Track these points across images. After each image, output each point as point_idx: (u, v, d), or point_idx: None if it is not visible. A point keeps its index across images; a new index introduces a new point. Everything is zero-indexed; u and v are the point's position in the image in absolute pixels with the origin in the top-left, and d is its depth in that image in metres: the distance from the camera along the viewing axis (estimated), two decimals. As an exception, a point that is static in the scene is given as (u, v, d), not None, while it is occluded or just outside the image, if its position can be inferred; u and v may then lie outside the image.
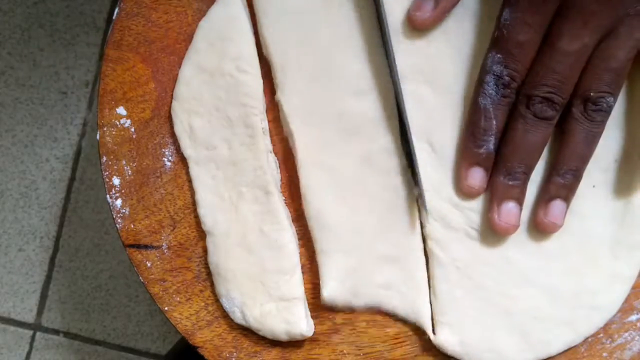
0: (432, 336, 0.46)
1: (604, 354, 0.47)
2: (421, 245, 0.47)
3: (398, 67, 0.46)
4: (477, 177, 0.45)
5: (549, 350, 0.46)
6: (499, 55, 0.44)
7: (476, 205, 0.46)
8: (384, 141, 0.47)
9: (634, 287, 0.47)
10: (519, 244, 0.46)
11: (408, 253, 0.46)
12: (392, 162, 0.47)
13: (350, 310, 0.47)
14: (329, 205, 0.46)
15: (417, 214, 0.47)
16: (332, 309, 0.47)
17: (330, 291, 0.46)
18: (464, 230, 0.46)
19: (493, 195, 0.45)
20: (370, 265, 0.46)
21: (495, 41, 0.44)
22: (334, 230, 0.46)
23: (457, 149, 0.47)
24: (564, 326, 0.46)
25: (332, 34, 0.47)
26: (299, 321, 0.46)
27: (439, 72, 0.47)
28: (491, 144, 0.44)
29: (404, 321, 0.47)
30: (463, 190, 0.46)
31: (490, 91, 0.44)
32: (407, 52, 0.47)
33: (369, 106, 0.47)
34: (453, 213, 0.46)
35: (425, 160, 0.47)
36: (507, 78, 0.44)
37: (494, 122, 0.44)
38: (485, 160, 0.45)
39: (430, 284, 0.47)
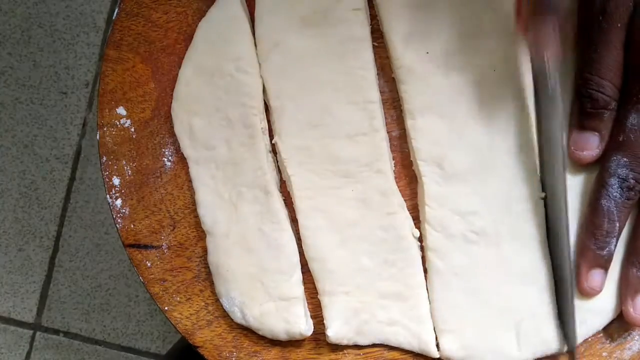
0: (437, 354, 0.46)
1: (604, 354, 0.47)
2: (423, 279, 0.47)
3: (408, 104, 0.47)
4: (598, 279, 0.45)
5: (547, 348, 0.46)
6: (624, 159, 0.44)
7: (477, 208, 0.46)
8: (378, 182, 0.47)
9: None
10: (515, 242, 0.46)
11: (409, 287, 0.46)
12: (387, 202, 0.47)
13: (356, 347, 0.47)
14: (329, 248, 0.47)
15: (416, 248, 0.47)
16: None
17: (335, 331, 0.46)
18: (463, 236, 0.46)
19: (627, 288, 0.45)
20: (373, 303, 0.46)
21: (620, 145, 0.44)
22: (335, 272, 0.47)
23: (462, 166, 0.47)
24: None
25: (329, 80, 0.48)
26: (298, 321, 0.46)
27: (445, 101, 0.47)
28: (612, 246, 0.45)
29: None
30: (583, 292, 0.45)
31: (615, 194, 0.44)
32: (416, 90, 0.47)
33: (361, 150, 0.47)
34: (454, 221, 0.46)
35: (431, 178, 0.47)
36: (632, 181, 0.44)
37: (617, 225, 0.44)
38: (606, 262, 0.45)
39: (430, 295, 0.47)
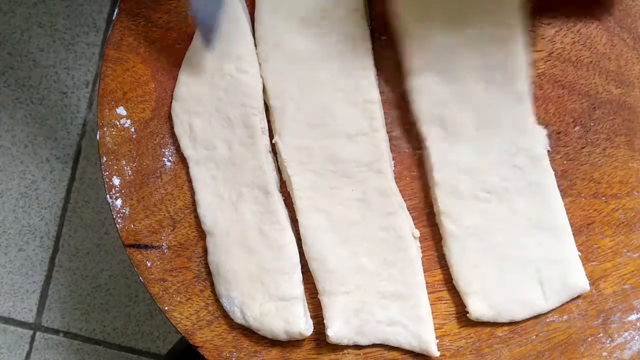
0: (437, 354, 0.46)
1: (604, 354, 0.47)
2: (422, 279, 0.47)
3: (411, 63, 0.47)
4: None
5: (573, 292, 0.46)
6: None
7: (483, 165, 0.47)
8: (377, 182, 0.47)
9: (633, 287, 0.47)
10: (525, 194, 0.47)
11: (409, 288, 0.47)
12: (387, 202, 0.47)
13: (356, 347, 0.47)
14: (329, 248, 0.47)
15: (416, 248, 0.47)
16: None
17: (336, 331, 0.46)
18: (474, 195, 0.47)
19: None
20: (373, 303, 0.47)
21: None
22: (335, 272, 0.47)
23: (464, 126, 0.47)
24: (579, 265, 0.46)
25: (329, 80, 0.48)
26: (298, 320, 0.46)
27: (446, 62, 0.47)
28: None
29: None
30: None
31: None
32: (418, 47, 0.47)
33: (361, 150, 0.47)
34: (462, 180, 0.47)
35: (436, 139, 0.47)
36: None
37: None
38: None
39: (448, 260, 0.47)
